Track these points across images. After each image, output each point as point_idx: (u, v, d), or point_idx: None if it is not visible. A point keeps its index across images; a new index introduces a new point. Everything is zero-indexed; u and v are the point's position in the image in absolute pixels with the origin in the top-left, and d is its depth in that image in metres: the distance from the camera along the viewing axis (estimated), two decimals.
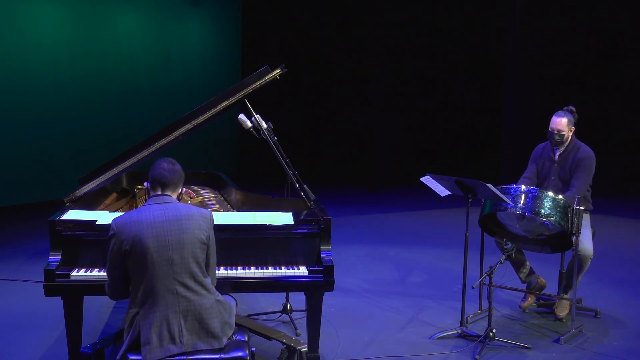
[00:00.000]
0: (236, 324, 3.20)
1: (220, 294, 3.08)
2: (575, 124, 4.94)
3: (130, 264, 2.92)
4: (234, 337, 3.10)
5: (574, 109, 4.96)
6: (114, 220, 2.98)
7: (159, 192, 3.06)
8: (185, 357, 2.91)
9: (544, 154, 5.07)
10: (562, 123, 4.86)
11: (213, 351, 2.96)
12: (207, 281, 3.02)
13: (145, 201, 3.10)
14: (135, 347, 2.94)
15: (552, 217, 4.40)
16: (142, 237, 2.90)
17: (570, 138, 4.94)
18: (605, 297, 5.45)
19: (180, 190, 3.14)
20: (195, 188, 5.14)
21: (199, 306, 2.95)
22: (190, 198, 4.59)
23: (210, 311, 2.97)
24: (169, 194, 3.06)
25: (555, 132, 4.89)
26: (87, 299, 3.53)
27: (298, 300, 4.76)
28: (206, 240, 3.02)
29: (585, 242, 4.72)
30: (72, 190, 3.89)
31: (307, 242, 3.63)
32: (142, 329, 2.90)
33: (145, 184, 3.14)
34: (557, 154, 4.98)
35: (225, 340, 3.01)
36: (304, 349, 3.76)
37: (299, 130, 12.16)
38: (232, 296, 3.33)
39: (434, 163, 11.21)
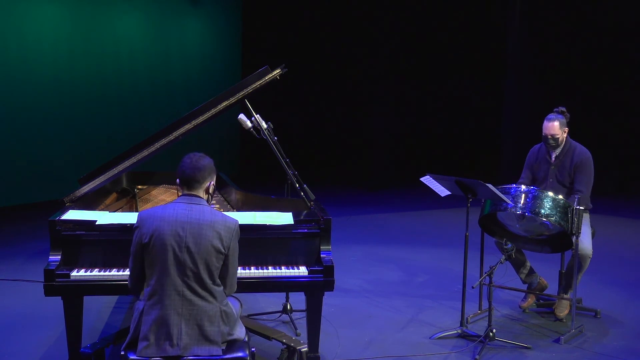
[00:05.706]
0: None
1: (228, 304, 3.04)
2: (568, 124, 4.92)
3: (147, 258, 2.93)
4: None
5: (564, 109, 4.94)
6: (140, 212, 3.01)
7: (188, 192, 3.05)
8: (185, 358, 2.90)
9: (539, 157, 5.06)
10: (554, 127, 4.84)
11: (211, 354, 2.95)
12: (217, 289, 2.97)
13: (177, 197, 3.10)
14: (136, 342, 2.95)
15: (552, 217, 4.40)
16: (160, 232, 2.90)
17: (564, 139, 4.93)
18: (605, 297, 5.45)
19: (207, 184, 3.08)
20: None
21: (202, 312, 2.92)
22: None
23: (212, 319, 2.94)
24: (199, 195, 3.04)
25: (550, 136, 4.87)
26: (87, 299, 3.53)
27: (298, 300, 4.75)
28: (224, 250, 2.96)
29: (584, 241, 4.71)
30: (72, 190, 3.89)
31: (307, 242, 3.62)
32: (143, 324, 2.91)
33: (177, 180, 3.11)
34: (553, 155, 4.96)
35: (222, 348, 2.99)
36: (304, 349, 3.76)
37: (299, 130, 12.16)
38: (237, 298, 3.31)
39: (434, 163, 11.21)
